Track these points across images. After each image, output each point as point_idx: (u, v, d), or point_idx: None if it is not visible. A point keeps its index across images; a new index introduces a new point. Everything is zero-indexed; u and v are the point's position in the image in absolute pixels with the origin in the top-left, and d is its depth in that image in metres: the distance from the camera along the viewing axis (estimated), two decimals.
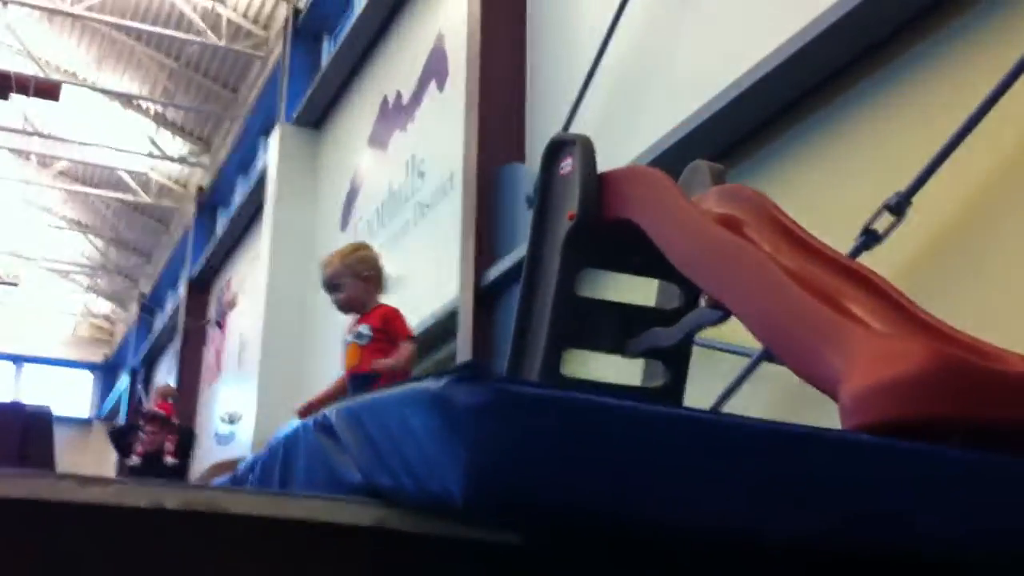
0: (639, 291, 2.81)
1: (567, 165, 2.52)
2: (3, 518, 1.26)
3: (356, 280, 3.89)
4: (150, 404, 9.27)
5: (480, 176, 7.30)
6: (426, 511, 1.31)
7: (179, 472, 8.53)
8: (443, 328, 7.65)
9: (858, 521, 1.40)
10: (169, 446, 8.55)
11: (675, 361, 2.72)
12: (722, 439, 1.36)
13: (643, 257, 2.50)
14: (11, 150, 19.66)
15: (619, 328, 2.63)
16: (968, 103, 3.18)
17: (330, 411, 1.60)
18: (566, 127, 6.20)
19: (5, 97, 16.05)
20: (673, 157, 4.85)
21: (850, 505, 1.40)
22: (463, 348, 7.01)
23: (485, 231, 7.14)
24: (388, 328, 3.84)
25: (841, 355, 1.69)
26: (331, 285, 3.94)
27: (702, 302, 2.42)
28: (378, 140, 10.50)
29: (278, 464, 1.75)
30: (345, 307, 3.95)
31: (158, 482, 1.31)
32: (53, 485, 1.20)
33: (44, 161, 19.91)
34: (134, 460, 8.48)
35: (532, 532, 1.33)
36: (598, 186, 2.45)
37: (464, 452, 1.20)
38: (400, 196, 9.60)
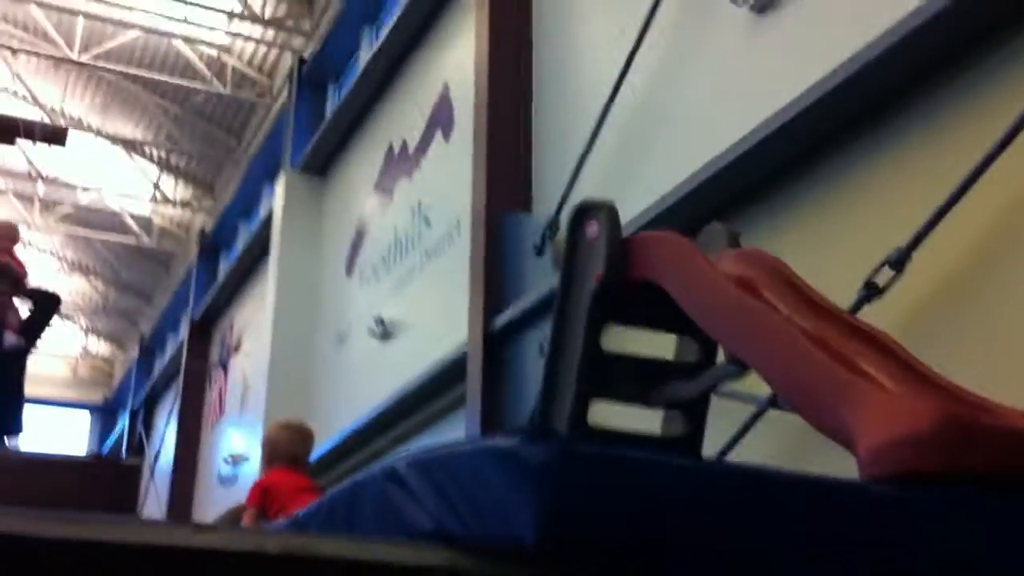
0: (657, 344, 2.98)
1: (593, 229, 2.70)
2: (117, 563, 1.42)
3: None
4: None
5: (487, 224, 7.48)
6: (496, 555, 1.48)
7: (20, 357, 5.82)
8: (452, 372, 7.80)
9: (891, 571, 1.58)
10: (14, 316, 5.87)
11: (694, 411, 2.88)
12: (759, 491, 1.54)
13: (665, 315, 2.68)
14: (16, 194, 19.88)
15: (642, 380, 2.79)
16: (971, 157, 3.38)
17: (399, 461, 1.76)
18: (572, 179, 6.40)
19: (11, 142, 16.28)
20: (680, 211, 5.05)
21: (882, 555, 1.57)
22: (473, 391, 7.16)
23: (493, 278, 7.31)
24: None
25: (857, 412, 1.86)
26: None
27: (721, 358, 2.59)
28: (384, 188, 10.70)
29: (342, 510, 1.91)
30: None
31: (259, 529, 1.47)
32: (168, 532, 1.36)
33: (48, 206, 20.10)
34: None
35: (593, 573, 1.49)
36: (623, 250, 2.62)
37: (536, 503, 1.37)
38: (406, 243, 9.78)
